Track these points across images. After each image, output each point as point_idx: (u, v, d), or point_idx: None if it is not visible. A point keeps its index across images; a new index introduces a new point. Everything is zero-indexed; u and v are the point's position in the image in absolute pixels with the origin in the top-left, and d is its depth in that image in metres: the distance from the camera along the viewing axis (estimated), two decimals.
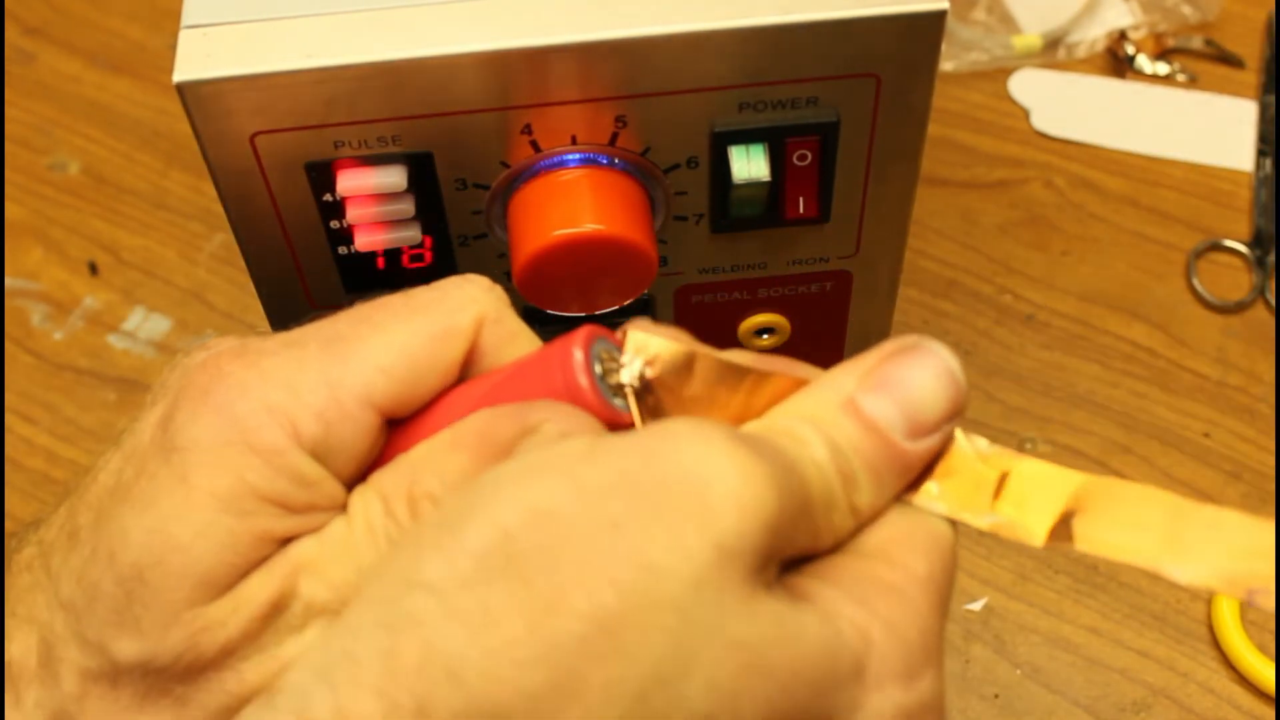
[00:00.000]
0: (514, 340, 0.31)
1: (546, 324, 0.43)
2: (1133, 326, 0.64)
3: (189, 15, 0.36)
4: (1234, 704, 0.53)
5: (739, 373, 0.29)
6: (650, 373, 0.29)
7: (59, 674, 0.29)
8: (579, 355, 0.28)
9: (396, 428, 0.30)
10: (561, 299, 0.39)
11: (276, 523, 0.28)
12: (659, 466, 0.25)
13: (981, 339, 0.64)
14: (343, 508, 0.29)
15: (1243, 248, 0.66)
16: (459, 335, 0.30)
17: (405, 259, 0.40)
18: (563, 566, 0.24)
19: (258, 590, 0.28)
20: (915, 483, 0.29)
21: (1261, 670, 0.53)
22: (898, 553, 0.28)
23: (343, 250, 0.40)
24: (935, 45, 0.36)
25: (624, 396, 0.29)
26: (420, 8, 0.36)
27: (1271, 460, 0.59)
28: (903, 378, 0.29)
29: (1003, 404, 0.62)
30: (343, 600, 0.28)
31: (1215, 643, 0.55)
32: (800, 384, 0.30)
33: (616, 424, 0.29)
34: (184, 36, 0.36)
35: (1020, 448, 0.60)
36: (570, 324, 0.43)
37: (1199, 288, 0.65)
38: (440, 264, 0.40)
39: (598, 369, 0.29)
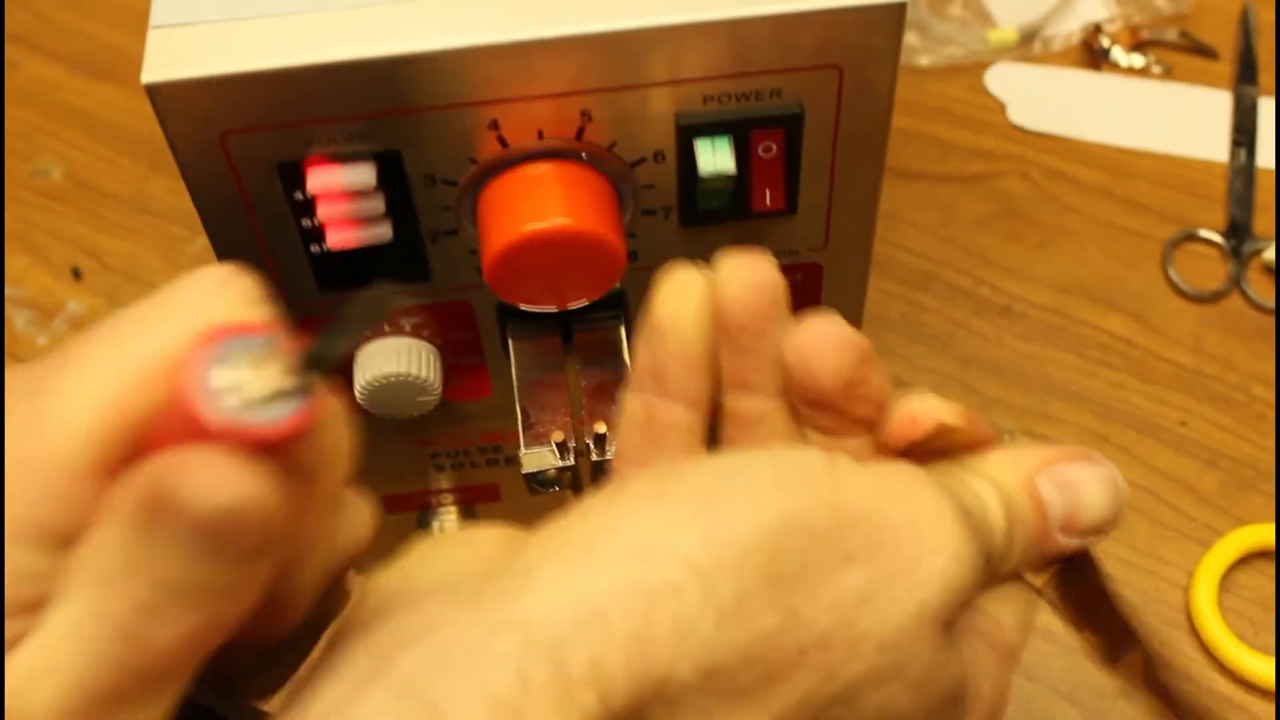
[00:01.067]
0: None
1: (520, 319, 0.43)
2: (1109, 317, 0.64)
3: (157, 16, 0.37)
4: (1212, 690, 0.54)
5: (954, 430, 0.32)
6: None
7: None
8: (191, 380, 0.23)
9: None
10: (532, 293, 0.39)
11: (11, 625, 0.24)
12: (896, 515, 0.28)
13: (959, 330, 0.64)
14: None
15: (1218, 237, 0.66)
16: (163, 379, 0.24)
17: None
18: (805, 582, 0.27)
19: None
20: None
21: (1239, 657, 0.54)
22: (1010, 623, 0.32)
23: (315, 248, 0.40)
24: (897, 36, 0.37)
25: (281, 400, 0.23)
26: (386, 6, 0.36)
27: (1247, 447, 0.60)
28: (1078, 480, 0.32)
29: (981, 395, 0.62)
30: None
31: (1193, 630, 0.55)
32: (987, 443, 0.33)
33: (252, 439, 0.23)
34: (152, 37, 0.36)
35: (998, 438, 0.61)
36: (543, 320, 0.43)
37: (1174, 278, 0.65)
38: (412, 261, 0.40)
39: (222, 380, 0.23)
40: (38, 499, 0.24)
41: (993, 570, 0.31)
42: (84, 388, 0.24)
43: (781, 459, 0.28)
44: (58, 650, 0.23)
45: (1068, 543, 0.32)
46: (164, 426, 0.24)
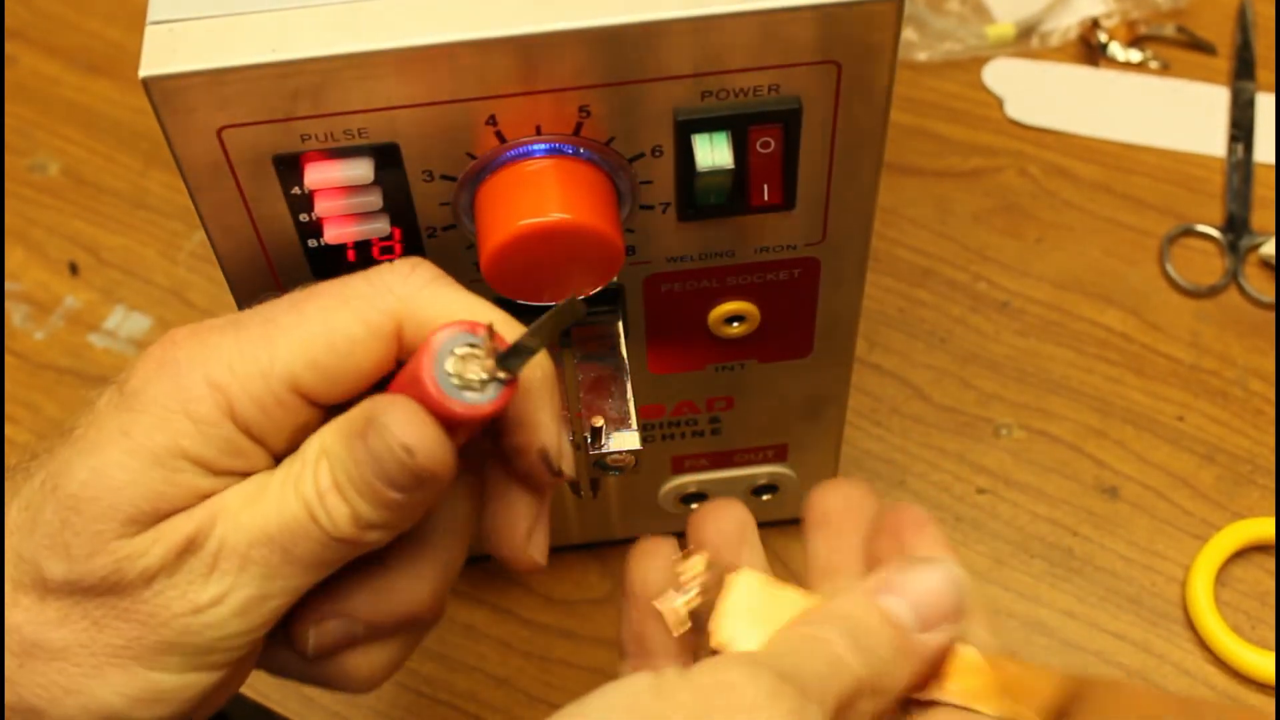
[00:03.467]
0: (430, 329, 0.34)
1: (518, 314, 0.43)
2: (1106, 312, 0.64)
3: (155, 11, 0.37)
4: (1208, 684, 0.54)
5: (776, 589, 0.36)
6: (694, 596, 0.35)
7: None
8: (426, 360, 0.32)
9: None
10: (530, 289, 0.39)
11: (202, 480, 0.33)
12: (717, 713, 0.30)
13: (957, 326, 0.64)
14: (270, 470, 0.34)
15: (1215, 232, 0.66)
16: (378, 338, 0.34)
17: (375, 251, 0.40)
18: None
19: (177, 527, 0.33)
20: (939, 683, 0.35)
21: (1235, 651, 0.54)
22: None
23: (312, 243, 0.40)
24: (894, 31, 0.37)
25: (479, 389, 0.32)
26: (383, 0, 0.36)
27: (1244, 442, 0.60)
28: (913, 584, 0.35)
29: (978, 390, 0.62)
30: (251, 540, 0.33)
31: (1190, 624, 0.55)
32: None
33: (456, 417, 0.32)
34: (149, 33, 0.36)
35: (996, 434, 0.61)
36: (539, 313, 0.43)
37: (1172, 273, 0.65)
38: (409, 256, 0.40)
39: (449, 366, 0.32)
40: (265, 404, 0.33)
41: (877, 690, 0.33)
42: (303, 332, 0.34)
43: (609, 693, 0.31)
44: (265, 496, 0.33)
45: (934, 638, 0.34)
46: (404, 387, 0.33)
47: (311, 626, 0.37)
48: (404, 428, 0.32)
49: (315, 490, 0.33)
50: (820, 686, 0.32)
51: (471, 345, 0.33)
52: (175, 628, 0.33)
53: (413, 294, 0.34)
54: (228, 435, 0.33)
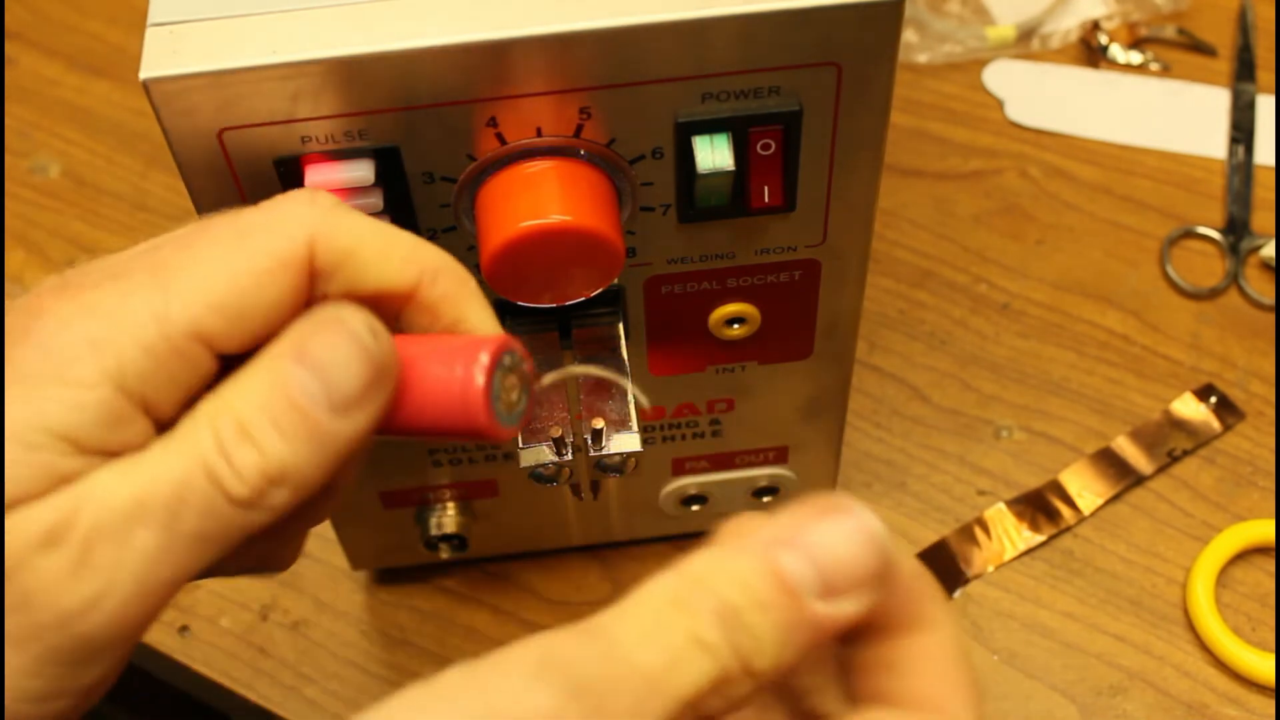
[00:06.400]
0: (349, 259, 0.31)
1: (518, 315, 0.43)
2: (1107, 314, 0.64)
3: (155, 13, 0.37)
4: (1209, 686, 0.54)
5: None
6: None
7: None
8: (485, 361, 0.30)
9: None
10: (531, 290, 0.39)
11: (64, 460, 0.29)
12: None
13: (957, 328, 0.64)
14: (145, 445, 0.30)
15: (1216, 234, 0.66)
16: (288, 268, 0.30)
17: None
18: None
19: (32, 518, 0.28)
20: None
21: (1236, 653, 0.54)
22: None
23: None
24: (895, 33, 0.37)
25: (514, 415, 0.32)
26: (384, 2, 0.36)
27: (1245, 444, 0.60)
28: (823, 540, 0.28)
29: (978, 392, 0.62)
30: (127, 517, 0.28)
31: (1190, 626, 0.55)
32: None
33: (494, 435, 0.31)
34: (150, 34, 0.36)
35: (996, 436, 0.61)
36: (541, 316, 0.43)
37: (1173, 274, 0.65)
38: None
39: (496, 384, 0.31)
40: (160, 353, 0.29)
41: (751, 673, 0.27)
42: (212, 272, 0.30)
43: (390, 702, 0.26)
44: (141, 464, 0.29)
45: (836, 609, 0.28)
46: (435, 384, 0.31)
47: None
48: (360, 314, 0.29)
49: (215, 441, 0.29)
50: (642, 695, 0.26)
51: (511, 361, 0.31)
52: (53, 627, 0.29)
53: (322, 217, 0.31)
54: (105, 399, 0.29)
